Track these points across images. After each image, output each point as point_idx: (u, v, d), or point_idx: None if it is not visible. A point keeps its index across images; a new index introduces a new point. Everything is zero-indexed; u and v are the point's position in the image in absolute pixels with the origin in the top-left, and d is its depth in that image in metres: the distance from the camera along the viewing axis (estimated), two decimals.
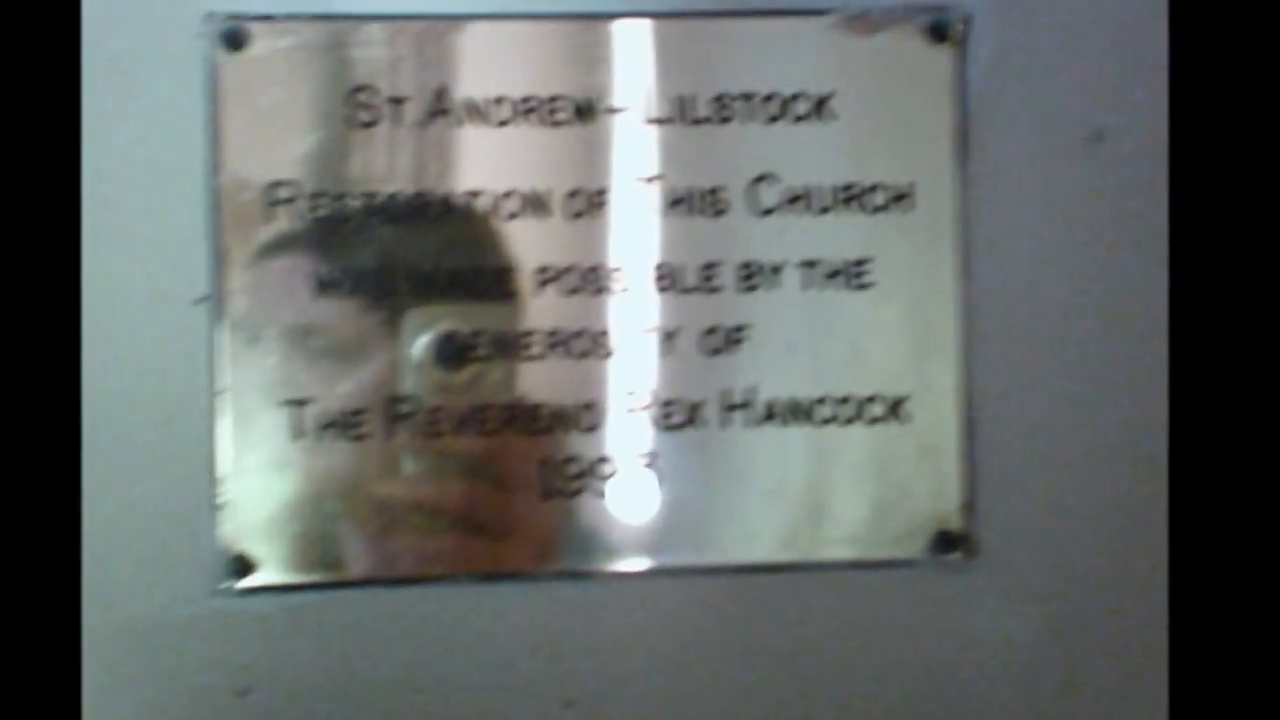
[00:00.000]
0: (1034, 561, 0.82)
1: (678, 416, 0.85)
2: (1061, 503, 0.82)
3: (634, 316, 0.84)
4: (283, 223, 0.83)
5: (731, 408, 0.84)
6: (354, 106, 0.84)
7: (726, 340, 0.84)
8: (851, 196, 0.85)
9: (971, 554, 0.83)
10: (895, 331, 0.84)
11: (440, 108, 0.86)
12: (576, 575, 0.83)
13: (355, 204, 0.84)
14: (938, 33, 0.86)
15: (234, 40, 0.83)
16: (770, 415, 0.85)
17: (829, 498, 0.84)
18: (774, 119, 0.85)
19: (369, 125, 0.85)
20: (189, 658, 0.81)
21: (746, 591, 0.83)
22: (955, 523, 0.83)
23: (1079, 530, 0.82)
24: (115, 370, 0.80)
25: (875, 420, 0.84)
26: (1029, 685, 0.83)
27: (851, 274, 0.85)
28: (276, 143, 0.83)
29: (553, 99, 0.87)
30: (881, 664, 0.83)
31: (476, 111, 0.86)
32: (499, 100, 0.86)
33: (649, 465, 0.84)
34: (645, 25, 0.85)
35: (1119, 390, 0.82)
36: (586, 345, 0.83)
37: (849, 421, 0.84)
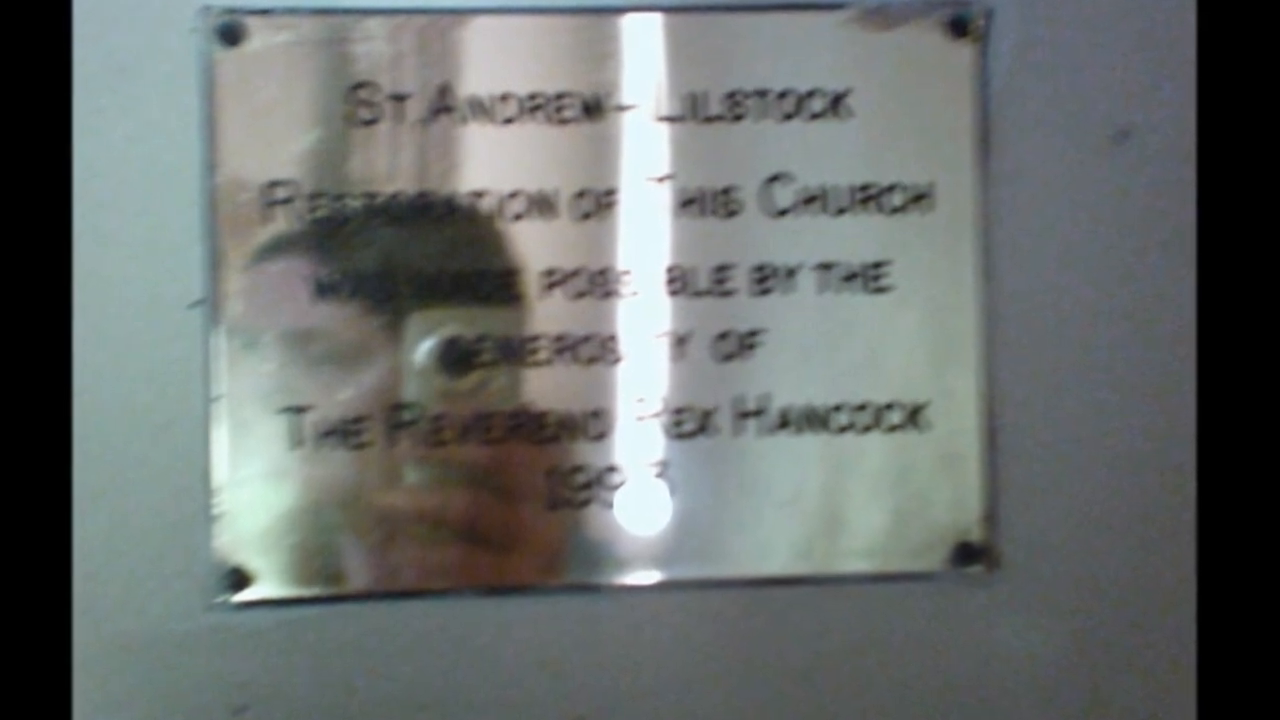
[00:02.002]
0: (1058, 574, 0.82)
1: (689, 424, 0.85)
2: (1086, 513, 0.82)
3: (644, 321, 0.84)
4: (281, 224, 0.83)
5: (745, 415, 0.84)
6: (354, 104, 0.84)
7: (740, 345, 0.84)
8: (869, 197, 0.85)
9: (993, 566, 0.83)
10: (914, 336, 0.84)
11: (443, 105, 0.86)
12: (584, 588, 0.83)
13: (356, 204, 0.84)
14: (958, 27, 0.86)
15: (231, 35, 0.83)
16: (785, 423, 0.85)
17: (846, 508, 0.84)
18: (789, 117, 0.85)
19: (370, 123, 0.85)
20: (184, 674, 0.81)
21: (760, 605, 0.83)
22: (976, 534, 0.83)
23: (1104, 542, 0.82)
24: (108, 376, 0.80)
25: (893, 428, 0.84)
26: (1052, 702, 0.83)
27: (869, 277, 0.85)
28: (274, 141, 0.83)
29: (560, 96, 0.87)
30: (900, 680, 0.83)
31: (481, 109, 0.86)
32: (504, 97, 0.86)
33: (659, 475, 0.84)
34: (655, 20, 0.85)
35: (1145, 397, 0.82)
36: (595, 350, 0.83)
37: (866, 430, 0.84)
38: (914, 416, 0.81)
